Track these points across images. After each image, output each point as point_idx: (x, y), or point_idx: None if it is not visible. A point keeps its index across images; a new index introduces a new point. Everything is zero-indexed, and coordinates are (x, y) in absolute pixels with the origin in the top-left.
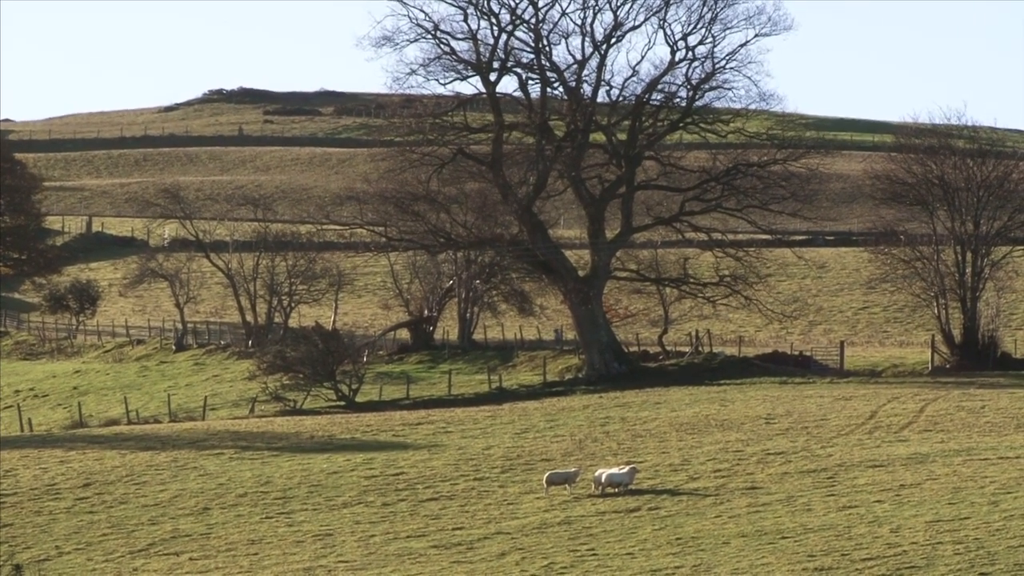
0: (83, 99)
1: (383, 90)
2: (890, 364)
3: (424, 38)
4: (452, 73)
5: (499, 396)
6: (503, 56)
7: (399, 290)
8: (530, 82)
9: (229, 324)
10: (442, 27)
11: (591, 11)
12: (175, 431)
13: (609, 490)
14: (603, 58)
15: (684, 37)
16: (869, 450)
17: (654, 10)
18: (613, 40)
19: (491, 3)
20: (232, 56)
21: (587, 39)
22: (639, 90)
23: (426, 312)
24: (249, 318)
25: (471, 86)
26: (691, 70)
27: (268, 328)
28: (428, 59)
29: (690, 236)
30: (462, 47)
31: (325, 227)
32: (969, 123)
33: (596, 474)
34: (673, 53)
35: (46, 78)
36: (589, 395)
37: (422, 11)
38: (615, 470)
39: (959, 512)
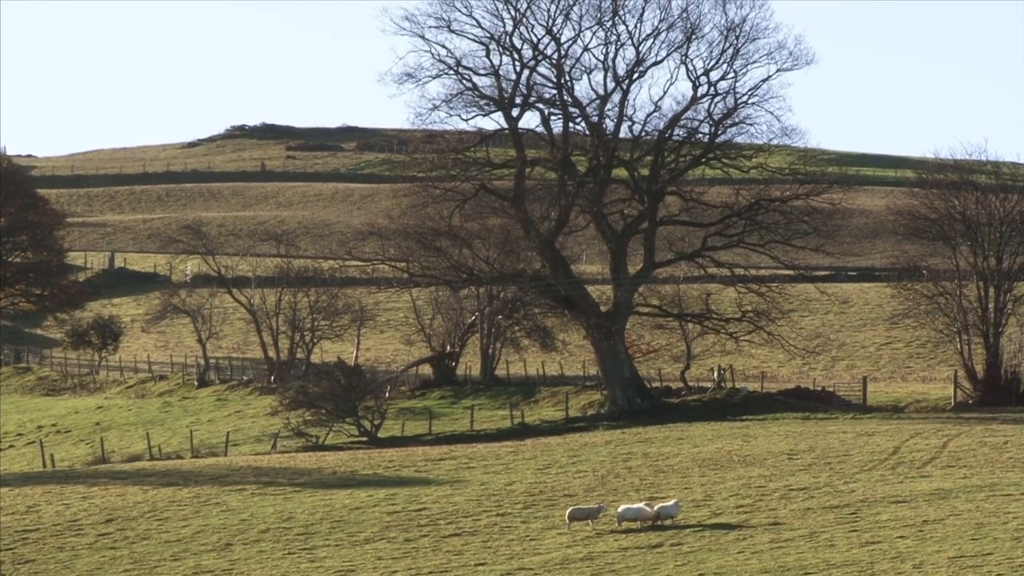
0: (106, 135)
1: (405, 126)
2: (913, 400)
3: (446, 74)
4: (474, 109)
5: (521, 432)
6: (525, 92)
7: (421, 326)
8: (552, 117)
9: (251, 360)
10: (464, 63)
11: (613, 47)
12: (197, 467)
13: (629, 525)
14: (625, 93)
15: (706, 72)
16: (892, 486)
17: (676, 46)
18: (635, 76)
19: (513, 39)
20: (255, 92)
21: (609, 75)
22: (661, 125)
23: (448, 348)
24: (271, 354)
25: (493, 121)
26: (713, 105)
27: (290, 364)
28: (450, 95)
29: (712, 272)
30: (484, 83)
31: (347, 263)
32: (991, 158)
33: (619, 509)
34: (695, 88)
35: (69, 114)
36: (611, 431)
37: (444, 47)
38: (643, 505)
39: (982, 548)
